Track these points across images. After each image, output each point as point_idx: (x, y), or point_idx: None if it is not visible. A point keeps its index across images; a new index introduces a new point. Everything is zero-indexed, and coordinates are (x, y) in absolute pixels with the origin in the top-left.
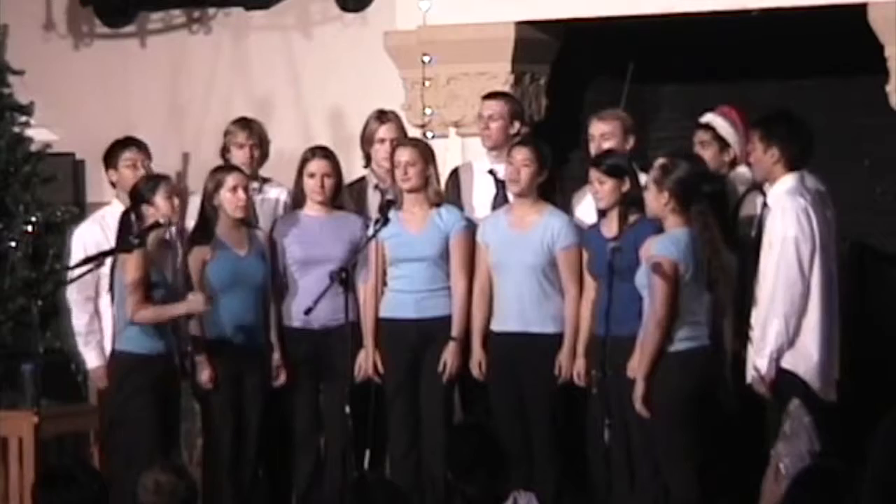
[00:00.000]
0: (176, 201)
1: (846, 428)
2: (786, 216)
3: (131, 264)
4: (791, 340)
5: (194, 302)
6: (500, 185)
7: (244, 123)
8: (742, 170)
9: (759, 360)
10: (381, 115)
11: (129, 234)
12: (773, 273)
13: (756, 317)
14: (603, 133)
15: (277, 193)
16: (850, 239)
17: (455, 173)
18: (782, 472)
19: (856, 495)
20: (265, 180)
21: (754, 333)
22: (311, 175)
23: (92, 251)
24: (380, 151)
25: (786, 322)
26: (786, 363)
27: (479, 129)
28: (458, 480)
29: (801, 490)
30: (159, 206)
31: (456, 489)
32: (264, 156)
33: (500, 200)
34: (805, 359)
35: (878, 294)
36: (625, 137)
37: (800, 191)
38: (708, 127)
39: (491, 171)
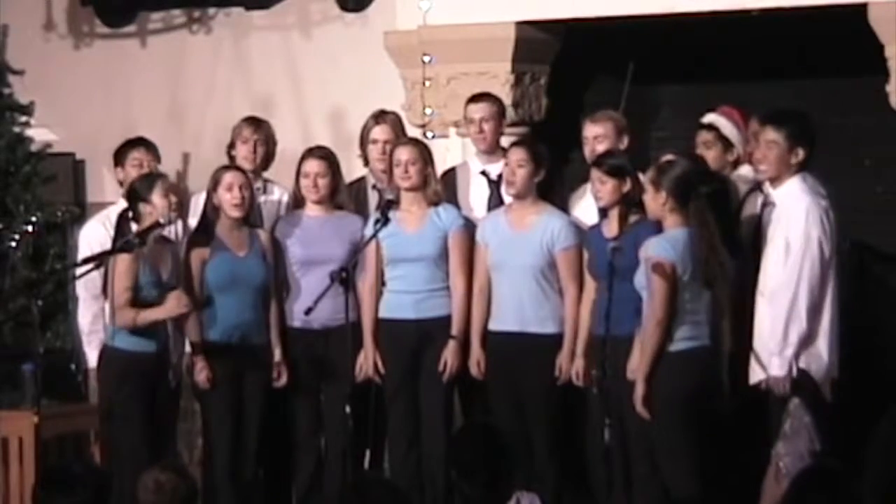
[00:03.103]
0: (173, 199)
1: (846, 428)
2: (810, 216)
3: (120, 268)
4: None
5: (172, 305)
6: (494, 185)
7: (252, 120)
8: (744, 170)
9: (777, 360)
10: (379, 116)
11: (126, 234)
12: (795, 273)
13: (774, 316)
14: (596, 135)
15: (280, 195)
16: (850, 239)
17: (449, 173)
18: (782, 472)
19: (856, 495)
20: (268, 181)
21: (773, 334)
22: (306, 175)
23: (97, 250)
24: (373, 152)
25: (808, 323)
26: (801, 363)
27: (471, 132)
28: (461, 480)
29: (801, 490)
30: (157, 205)
31: (457, 488)
32: (270, 156)
33: (494, 201)
34: (816, 359)
35: (877, 294)
36: (618, 138)
37: (815, 191)
38: (711, 127)
39: (483, 172)
